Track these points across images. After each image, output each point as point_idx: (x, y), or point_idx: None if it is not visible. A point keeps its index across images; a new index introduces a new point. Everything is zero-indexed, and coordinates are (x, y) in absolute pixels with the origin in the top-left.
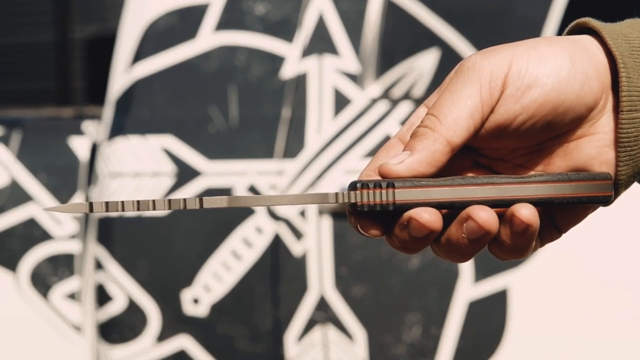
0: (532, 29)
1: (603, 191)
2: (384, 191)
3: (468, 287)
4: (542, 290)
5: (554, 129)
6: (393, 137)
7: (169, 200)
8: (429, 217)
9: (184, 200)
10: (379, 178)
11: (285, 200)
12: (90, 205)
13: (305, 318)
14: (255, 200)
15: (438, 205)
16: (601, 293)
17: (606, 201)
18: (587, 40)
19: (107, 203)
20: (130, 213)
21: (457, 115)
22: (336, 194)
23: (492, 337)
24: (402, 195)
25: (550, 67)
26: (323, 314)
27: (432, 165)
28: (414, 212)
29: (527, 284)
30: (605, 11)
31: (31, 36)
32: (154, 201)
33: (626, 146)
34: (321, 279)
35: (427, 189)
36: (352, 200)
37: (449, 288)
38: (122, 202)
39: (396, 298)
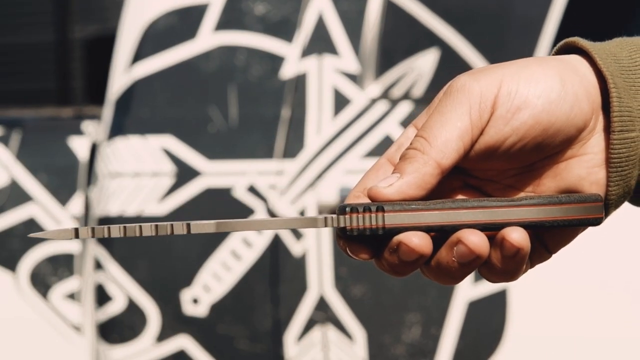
0: (532, 29)
1: (593, 213)
2: (373, 215)
3: (468, 287)
4: (542, 290)
5: (544, 150)
6: (381, 157)
7: (156, 226)
8: (419, 242)
9: (171, 225)
10: (367, 200)
11: (274, 225)
12: (76, 231)
13: (305, 318)
14: (243, 225)
15: (427, 229)
16: (600, 293)
17: (597, 223)
18: (576, 60)
19: (93, 228)
20: (130, 212)
21: (447, 137)
22: (325, 218)
23: (492, 337)
24: (392, 219)
25: (540, 89)
26: (323, 314)
27: (422, 188)
28: (403, 237)
29: (526, 284)
30: (604, 11)
31: (31, 36)
32: (140, 226)
33: (617, 166)
34: (321, 279)
35: (417, 213)
36: (342, 225)
37: (448, 288)
38: (109, 227)
39: (396, 298)
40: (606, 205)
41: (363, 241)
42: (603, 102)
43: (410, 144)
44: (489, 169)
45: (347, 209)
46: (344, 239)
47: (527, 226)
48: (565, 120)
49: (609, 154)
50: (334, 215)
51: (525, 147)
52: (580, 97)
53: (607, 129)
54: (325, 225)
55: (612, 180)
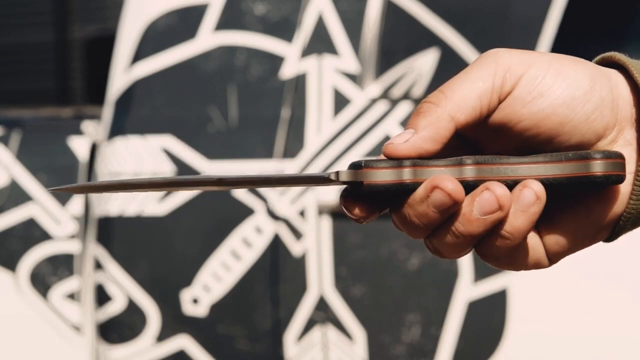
0: (532, 29)
1: (616, 170)
2: (406, 170)
3: (467, 287)
4: (542, 290)
5: (558, 148)
6: None
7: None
8: (453, 187)
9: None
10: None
11: (279, 182)
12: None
13: (305, 318)
14: (245, 181)
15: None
16: (601, 292)
17: (619, 180)
18: (611, 71)
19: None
20: (130, 212)
21: (465, 93)
22: (337, 172)
23: (492, 337)
24: (425, 173)
25: (567, 82)
26: (322, 314)
27: (437, 142)
28: (438, 181)
29: (526, 284)
30: (604, 11)
31: (31, 36)
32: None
33: None
34: (320, 279)
35: (449, 168)
36: (360, 179)
37: (448, 288)
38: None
39: (396, 298)
40: (622, 220)
41: (367, 200)
42: (638, 116)
43: (427, 97)
44: (502, 147)
45: (363, 164)
46: (352, 198)
47: (548, 184)
48: (584, 121)
49: (637, 166)
50: (347, 170)
51: (538, 136)
52: (605, 104)
53: (637, 144)
54: (337, 179)
55: (634, 193)
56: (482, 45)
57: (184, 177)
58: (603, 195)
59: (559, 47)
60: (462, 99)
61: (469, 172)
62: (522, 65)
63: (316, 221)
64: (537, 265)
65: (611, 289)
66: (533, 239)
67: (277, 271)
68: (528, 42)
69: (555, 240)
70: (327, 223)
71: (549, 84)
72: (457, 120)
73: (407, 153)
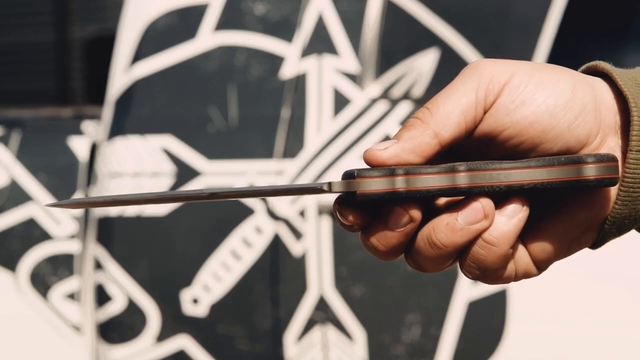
0: (532, 29)
1: (609, 173)
2: (398, 178)
3: (467, 287)
4: (542, 290)
5: (541, 156)
6: None
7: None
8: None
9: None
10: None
11: (274, 192)
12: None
13: (305, 318)
14: (239, 193)
15: (449, 191)
16: (601, 292)
17: (612, 183)
18: (596, 80)
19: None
20: (130, 213)
21: (449, 109)
22: (329, 183)
23: (492, 337)
24: (417, 182)
25: (549, 91)
26: (322, 314)
27: (418, 155)
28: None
29: (526, 283)
30: (604, 11)
31: (31, 36)
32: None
33: (629, 186)
34: (320, 279)
35: (440, 176)
36: (353, 189)
37: (448, 288)
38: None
39: (395, 298)
40: (606, 225)
41: (361, 208)
42: (622, 124)
43: (415, 113)
44: (487, 157)
45: (356, 174)
46: (347, 205)
47: (542, 188)
48: (566, 127)
49: (623, 172)
50: (340, 181)
51: (521, 145)
52: (587, 110)
53: (622, 150)
54: (330, 190)
55: (620, 198)
56: (482, 45)
57: (176, 192)
58: (586, 200)
59: (559, 47)
60: (446, 116)
61: (462, 179)
62: (505, 73)
63: (316, 221)
64: (526, 275)
65: (611, 289)
66: (518, 249)
67: (277, 271)
68: (528, 42)
69: (541, 247)
70: (327, 223)
71: (531, 93)
72: (441, 137)
73: (384, 161)
